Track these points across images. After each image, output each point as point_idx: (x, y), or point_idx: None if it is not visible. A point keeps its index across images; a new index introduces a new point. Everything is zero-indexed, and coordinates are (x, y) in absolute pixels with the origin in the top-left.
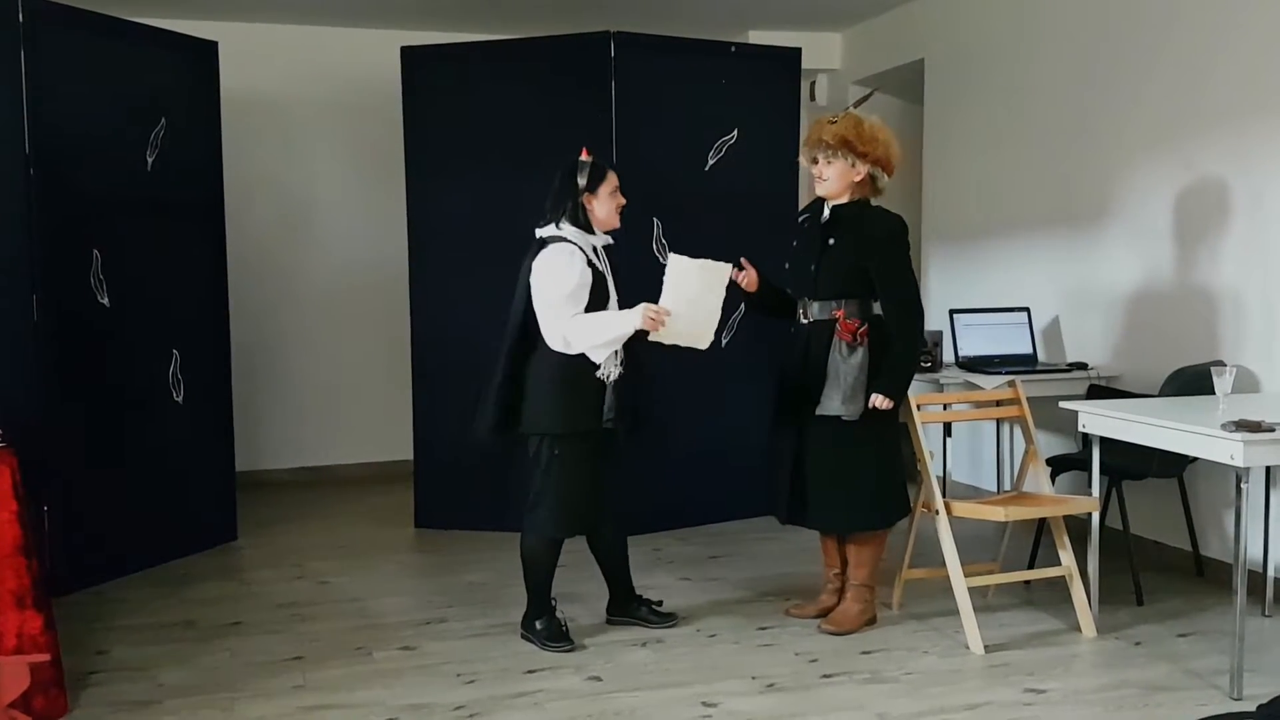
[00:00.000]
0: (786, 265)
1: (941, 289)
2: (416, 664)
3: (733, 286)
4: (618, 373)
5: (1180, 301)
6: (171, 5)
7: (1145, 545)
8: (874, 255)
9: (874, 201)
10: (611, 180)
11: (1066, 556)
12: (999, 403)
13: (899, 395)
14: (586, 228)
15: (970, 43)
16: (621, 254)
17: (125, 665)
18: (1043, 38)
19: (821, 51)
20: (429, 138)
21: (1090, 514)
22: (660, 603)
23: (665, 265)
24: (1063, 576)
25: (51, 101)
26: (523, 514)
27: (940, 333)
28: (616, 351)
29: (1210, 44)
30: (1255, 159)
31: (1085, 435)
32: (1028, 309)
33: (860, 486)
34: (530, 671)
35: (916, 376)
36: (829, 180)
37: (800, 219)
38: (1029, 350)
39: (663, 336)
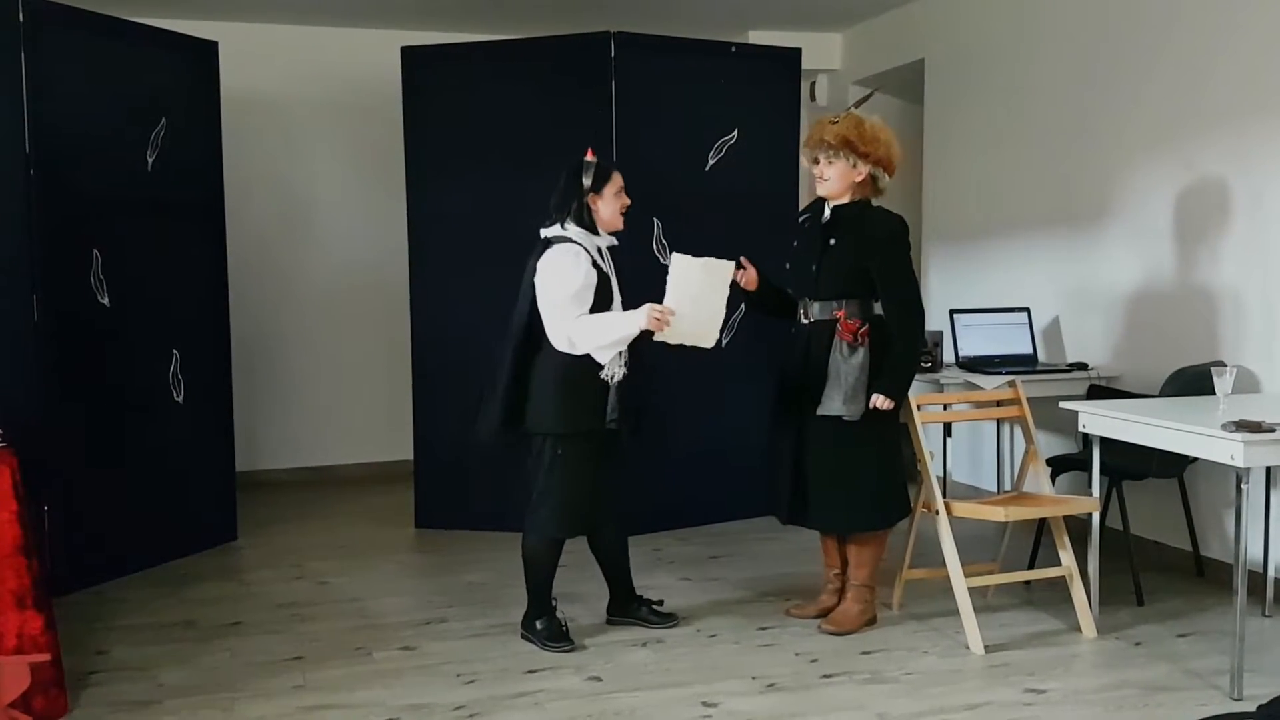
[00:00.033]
0: (787, 265)
1: (942, 289)
2: (416, 664)
3: (733, 286)
4: (622, 374)
5: (1180, 301)
6: (171, 5)
7: (1145, 545)
8: (875, 255)
9: (875, 202)
10: (616, 181)
11: (1067, 557)
12: (999, 403)
13: (900, 395)
14: (591, 228)
15: (970, 43)
16: (622, 254)
17: (125, 665)
18: (1043, 38)
19: (821, 52)
20: (429, 138)
21: (1090, 514)
22: (661, 603)
23: (667, 265)
24: (1063, 577)
25: (51, 101)
26: (524, 514)
27: (940, 333)
28: (621, 353)
29: (1210, 44)
30: (1255, 159)
31: (1085, 435)
32: (1028, 309)
33: (861, 487)
34: (530, 671)
35: (917, 377)
36: (830, 180)
37: (801, 219)
38: (1029, 350)
39: (668, 336)
